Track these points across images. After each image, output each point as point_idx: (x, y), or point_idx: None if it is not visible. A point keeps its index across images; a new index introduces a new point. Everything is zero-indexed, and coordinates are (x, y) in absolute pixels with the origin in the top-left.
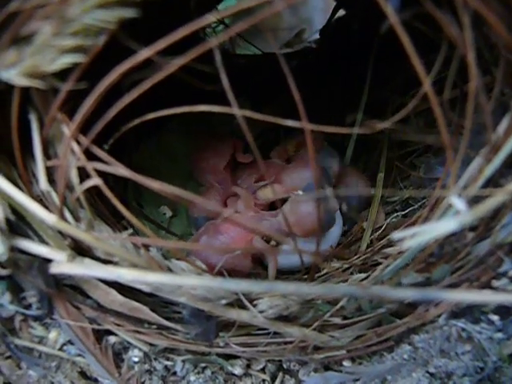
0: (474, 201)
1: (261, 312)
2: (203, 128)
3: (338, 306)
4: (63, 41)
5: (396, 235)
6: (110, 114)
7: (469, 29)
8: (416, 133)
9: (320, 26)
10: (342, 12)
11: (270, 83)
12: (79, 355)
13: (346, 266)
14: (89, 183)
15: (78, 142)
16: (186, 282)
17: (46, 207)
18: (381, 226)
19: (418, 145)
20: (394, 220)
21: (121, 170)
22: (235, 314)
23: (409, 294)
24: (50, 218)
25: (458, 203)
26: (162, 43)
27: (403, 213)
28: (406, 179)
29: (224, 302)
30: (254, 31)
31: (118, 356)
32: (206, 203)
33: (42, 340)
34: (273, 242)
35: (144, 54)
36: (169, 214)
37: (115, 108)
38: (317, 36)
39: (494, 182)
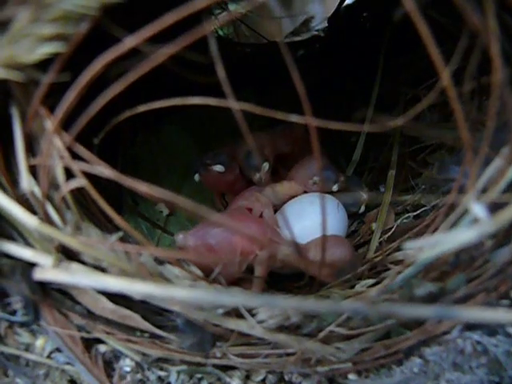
0: (492, 206)
1: (260, 322)
2: (206, 122)
3: (343, 317)
4: (42, 28)
5: (409, 245)
6: (93, 109)
7: (493, 16)
8: (430, 128)
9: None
10: None
11: (277, 72)
12: (68, 363)
13: None
14: (72, 184)
15: (62, 139)
16: (176, 294)
17: (31, 209)
18: (390, 228)
19: (432, 140)
20: (404, 221)
21: (106, 172)
22: (233, 324)
23: (422, 312)
24: (32, 221)
25: (479, 210)
26: (150, 30)
27: (415, 213)
28: (419, 176)
29: (221, 311)
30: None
31: (109, 365)
32: (198, 209)
33: (28, 347)
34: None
35: (129, 42)
36: (165, 212)
37: (98, 103)
38: (325, 24)
39: None
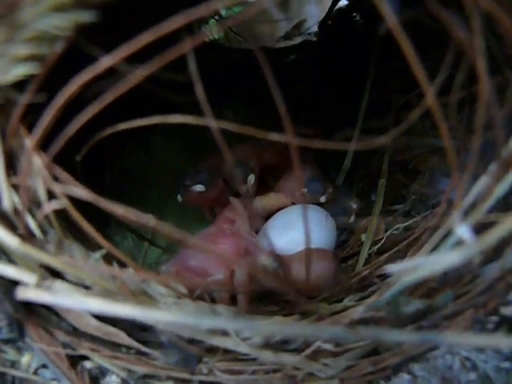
0: (480, 225)
1: (245, 339)
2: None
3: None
4: (16, 49)
5: (392, 269)
6: (70, 131)
7: (479, 34)
8: (421, 136)
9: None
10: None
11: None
12: (54, 379)
13: None
14: (53, 205)
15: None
16: (158, 316)
17: (14, 227)
18: (380, 239)
19: (423, 149)
20: (394, 232)
21: (82, 193)
22: (218, 341)
23: (407, 338)
24: (12, 240)
25: (463, 232)
26: (126, 50)
27: (405, 224)
28: (410, 185)
29: (206, 327)
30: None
31: (96, 381)
32: (174, 233)
33: (14, 364)
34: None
35: (106, 62)
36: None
37: (75, 124)
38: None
39: (504, 203)
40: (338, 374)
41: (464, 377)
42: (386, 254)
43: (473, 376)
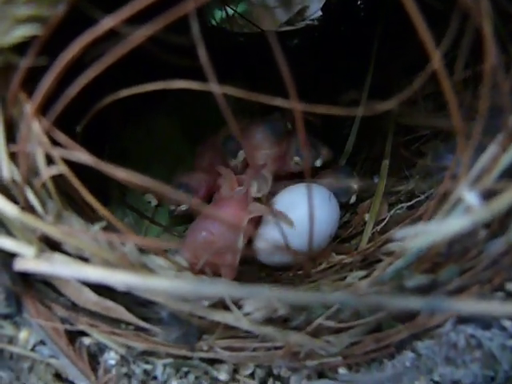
0: (487, 194)
1: (247, 314)
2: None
3: (332, 309)
4: (16, 10)
5: (399, 234)
6: (71, 93)
7: None
8: (424, 117)
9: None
10: None
11: (271, 62)
12: (52, 356)
13: (346, 261)
14: (51, 171)
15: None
16: (157, 284)
17: (13, 198)
18: (384, 219)
19: (426, 130)
20: (398, 211)
21: (83, 157)
22: (219, 317)
23: (411, 304)
24: (11, 209)
25: (471, 198)
26: (127, 11)
27: (408, 204)
28: (413, 167)
29: (206, 303)
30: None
31: (94, 358)
32: (178, 196)
33: (12, 340)
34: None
35: (106, 23)
36: (154, 202)
37: (76, 86)
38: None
39: (510, 173)
40: (340, 352)
41: (468, 356)
42: (389, 232)
43: (477, 354)
